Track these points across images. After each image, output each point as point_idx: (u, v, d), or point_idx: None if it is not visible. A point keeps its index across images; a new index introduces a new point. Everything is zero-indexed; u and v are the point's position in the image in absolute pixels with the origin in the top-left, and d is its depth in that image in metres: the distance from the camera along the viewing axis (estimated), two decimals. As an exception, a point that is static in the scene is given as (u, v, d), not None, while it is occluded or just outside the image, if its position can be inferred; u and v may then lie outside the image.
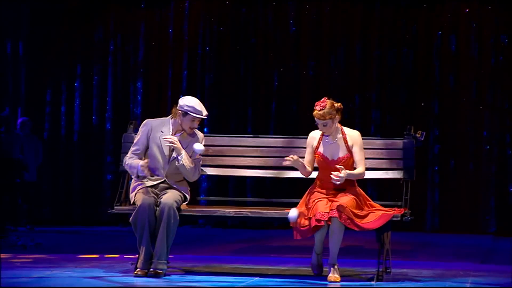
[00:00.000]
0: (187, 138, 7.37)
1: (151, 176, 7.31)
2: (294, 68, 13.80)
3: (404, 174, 7.50)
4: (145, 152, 7.38)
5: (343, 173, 6.99)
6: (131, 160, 7.33)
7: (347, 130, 7.27)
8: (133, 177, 7.36)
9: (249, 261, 8.66)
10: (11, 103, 14.05)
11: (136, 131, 7.55)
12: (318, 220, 6.92)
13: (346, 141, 7.20)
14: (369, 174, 7.41)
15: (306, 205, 7.12)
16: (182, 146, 7.31)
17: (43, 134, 13.99)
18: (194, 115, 7.30)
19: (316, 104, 7.15)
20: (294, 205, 7.25)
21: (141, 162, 7.22)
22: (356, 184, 7.23)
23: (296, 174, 7.57)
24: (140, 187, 7.28)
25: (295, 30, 13.82)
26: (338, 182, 7.01)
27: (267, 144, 7.79)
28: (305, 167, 7.20)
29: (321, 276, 7.23)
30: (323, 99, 7.17)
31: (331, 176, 6.99)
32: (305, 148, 7.34)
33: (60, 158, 14.09)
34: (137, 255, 7.19)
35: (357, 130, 7.33)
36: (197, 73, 14.00)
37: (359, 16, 13.66)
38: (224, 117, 13.88)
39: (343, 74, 13.69)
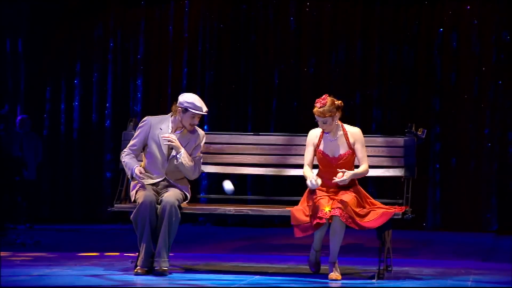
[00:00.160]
0: (187, 135, 7.33)
1: (151, 174, 7.28)
2: (294, 65, 13.77)
3: (405, 172, 7.49)
4: (142, 149, 7.35)
5: (346, 175, 6.98)
6: (127, 159, 7.30)
7: (348, 127, 7.24)
8: (127, 173, 7.33)
9: (250, 259, 8.64)
10: (11, 100, 14.03)
11: (136, 128, 7.52)
12: (320, 218, 6.90)
13: (347, 138, 7.18)
14: (370, 172, 7.39)
15: (307, 202, 7.09)
16: (182, 143, 7.27)
17: (43, 132, 13.97)
18: (194, 111, 7.26)
19: (316, 101, 7.13)
20: (295, 203, 7.23)
21: (136, 170, 7.18)
22: (357, 182, 7.21)
23: (297, 172, 7.56)
24: (140, 184, 7.25)
25: (295, 28, 13.80)
26: (341, 183, 7.00)
27: (267, 142, 7.78)
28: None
29: (318, 274, 7.20)
30: (323, 96, 7.15)
31: (335, 178, 6.98)
32: (305, 145, 7.30)
33: (59, 156, 14.07)
34: (137, 253, 7.17)
35: (358, 127, 7.30)
36: (197, 71, 13.98)
37: (360, 13, 13.63)
38: (224, 114, 13.85)
39: (344, 71, 13.67)
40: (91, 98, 14.10)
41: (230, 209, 7.39)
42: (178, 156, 7.22)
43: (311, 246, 7.24)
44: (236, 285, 6.73)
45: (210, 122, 13.64)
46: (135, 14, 14.10)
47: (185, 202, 7.33)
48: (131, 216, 7.12)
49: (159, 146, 7.30)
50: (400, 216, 7.09)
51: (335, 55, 13.73)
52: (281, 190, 12.39)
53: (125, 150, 7.37)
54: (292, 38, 13.80)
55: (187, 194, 7.35)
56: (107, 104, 14.06)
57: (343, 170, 7.01)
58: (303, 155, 7.29)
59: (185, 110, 7.26)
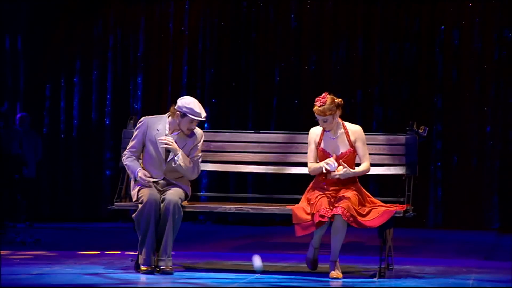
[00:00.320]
0: (185, 137, 7.27)
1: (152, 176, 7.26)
2: (295, 63, 13.75)
3: (406, 170, 7.47)
4: (142, 150, 7.31)
5: (343, 171, 6.94)
6: (129, 161, 7.25)
7: (348, 125, 7.21)
8: (131, 177, 7.29)
9: (250, 258, 8.59)
10: (10, 98, 14.01)
11: (135, 126, 7.47)
12: (322, 216, 6.87)
13: (348, 136, 7.15)
14: (372, 170, 7.38)
15: (309, 200, 7.06)
16: (179, 145, 7.21)
17: (42, 130, 13.94)
18: (193, 117, 7.19)
19: (316, 99, 7.10)
20: (295, 201, 7.20)
21: (140, 173, 7.14)
22: (357, 180, 7.18)
23: (297, 170, 7.55)
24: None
25: (296, 25, 13.77)
26: (336, 176, 6.96)
27: (268, 140, 7.75)
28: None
29: (318, 272, 7.17)
30: (323, 94, 7.12)
31: (335, 172, 6.94)
32: (306, 143, 7.27)
33: (59, 154, 14.05)
34: (137, 252, 7.12)
35: (359, 125, 7.27)
36: (198, 68, 13.95)
37: (361, 10, 13.60)
38: (225, 112, 13.83)
39: (345, 69, 13.65)
40: (91, 96, 14.07)
41: (231, 207, 7.37)
42: (175, 158, 7.16)
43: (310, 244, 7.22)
44: (236, 284, 6.71)
45: (210, 120, 13.60)
46: (135, 12, 14.07)
47: (185, 201, 7.29)
48: (134, 214, 7.07)
49: (156, 147, 7.25)
50: (401, 215, 7.08)
51: (336, 53, 13.70)
52: (282, 188, 12.35)
53: (125, 152, 7.32)
54: (293, 36, 13.77)
55: (188, 193, 7.32)
56: (107, 102, 14.04)
57: (343, 164, 6.98)
58: (304, 153, 7.26)
59: (184, 115, 7.19)
